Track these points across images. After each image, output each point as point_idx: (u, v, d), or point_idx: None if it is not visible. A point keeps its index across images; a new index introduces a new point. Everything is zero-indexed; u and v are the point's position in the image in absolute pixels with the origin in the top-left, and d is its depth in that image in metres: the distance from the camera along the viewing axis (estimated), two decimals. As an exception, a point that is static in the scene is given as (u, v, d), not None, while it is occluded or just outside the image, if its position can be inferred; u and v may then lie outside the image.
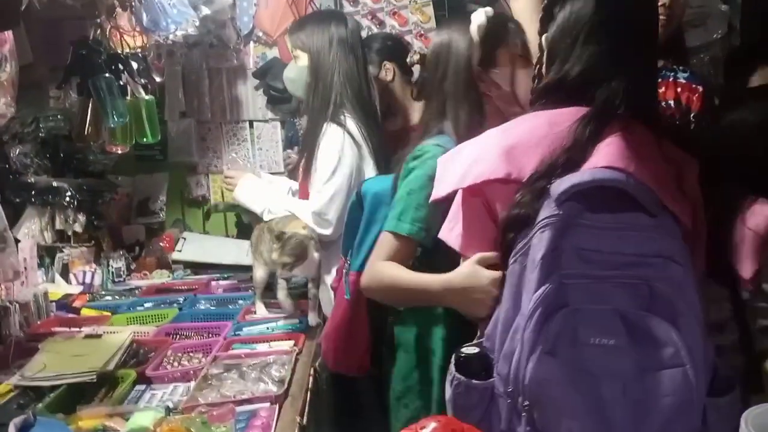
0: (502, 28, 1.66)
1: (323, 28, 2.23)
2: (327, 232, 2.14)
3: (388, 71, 2.53)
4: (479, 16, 1.60)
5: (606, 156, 1.06)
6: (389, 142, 2.31)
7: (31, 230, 2.53)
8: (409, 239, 1.52)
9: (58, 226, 2.61)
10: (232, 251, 3.08)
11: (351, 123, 2.18)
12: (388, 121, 2.49)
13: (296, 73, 2.29)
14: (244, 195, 2.33)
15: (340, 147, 2.15)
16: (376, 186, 1.76)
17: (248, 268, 2.91)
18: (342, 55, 2.20)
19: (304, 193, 2.27)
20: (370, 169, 2.22)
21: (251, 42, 3.38)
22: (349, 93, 2.20)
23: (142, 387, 1.67)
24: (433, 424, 0.98)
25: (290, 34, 2.31)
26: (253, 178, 2.40)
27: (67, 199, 2.57)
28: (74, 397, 1.59)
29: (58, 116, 2.56)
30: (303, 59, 2.25)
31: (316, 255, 1.99)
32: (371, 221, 1.70)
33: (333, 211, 2.13)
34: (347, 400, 2.12)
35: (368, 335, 1.76)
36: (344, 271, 1.76)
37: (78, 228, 2.68)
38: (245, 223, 3.37)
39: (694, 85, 1.84)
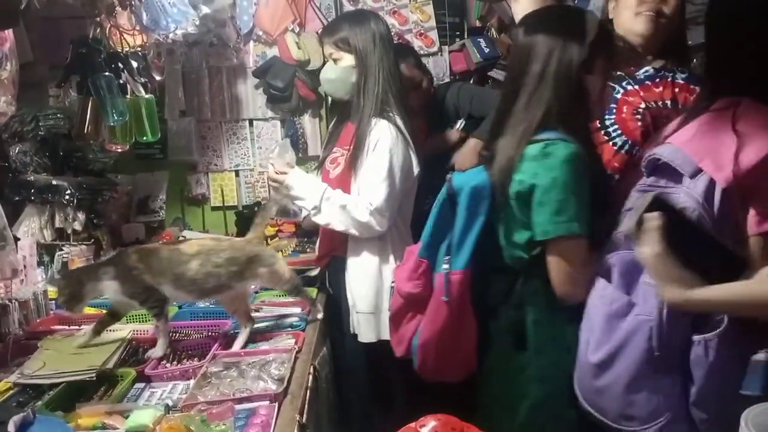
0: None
1: (365, 27, 2.24)
2: (383, 228, 2.17)
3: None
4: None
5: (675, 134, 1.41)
6: None
7: (31, 228, 2.52)
8: (585, 238, 1.50)
9: (58, 224, 2.60)
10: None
11: (397, 119, 2.21)
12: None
13: (338, 74, 2.27)
14: (294, 191, 2.22)
15: (392, 142, 2.17)
16: (470, 180, 1.63)
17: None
18: (384, 53, 2.23)
19: (341, 185, 2.25)
20: (416, 164, 2.26)
21: (251, 41, 3.38)
22: (393, 89, 2.23)
23: (142, 385, 1.67)
24: (432, 423, 0.98)
25: (328, 37, 2.29)
26: (301, 173, 2.31)
27: (67, 197, 2.56)
28: (73, 395, 1.59)
29: (58, 115, 2.55)
30: (346, 60, 2.25)
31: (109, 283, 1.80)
32: (473, 216, 1.61)
33: (391, 208, 2.16)
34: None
35: (476, 334, 1.67)
36: (444, 272, 1.63)
37: (78, 226, 2.68)
38: (244, 222, 3.38)
39: (692, 86, 1.83)
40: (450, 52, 3.49)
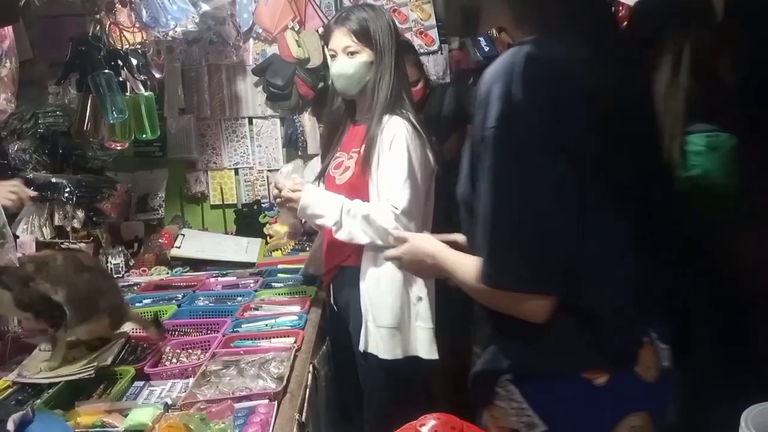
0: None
1: (384, 21, 2.09)
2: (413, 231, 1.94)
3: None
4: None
5: None
6: None
7: (30, 226, 2.52)
8: None
9: (57, 222, 2.60)
10: (231, 248, 3.08)
11: (410, 114, 2.07)
12: None
13: (356, 69, 2.07)
14: (312, 209, 2.02)
15: (409, 138, 2.01)
16: None
17: (247, 265, 2.93)
18: (397, 50, 2.11)
19: (354, 190, 2.07)
20: (433, 161, 2.10)
21: (251, 39, 3.38)
22: (405, 87, 2.12)
23: (141, 383, 1.67)
24: (432, 422, 0.98)
25: (347, 26, 2.09)
26: (316, 188, 2.13)
27: (66, 195, 2.56)
28: (73, 393, 1.58)
29: (58, 112, 2.55)
30: (364, 55, 2.07)
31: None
32: None
33: (417, 209, 2.02)
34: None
35: None
36: None
37: (77, 224, 2.68)
38: (244, 221, 3.38)
39: None
40: (450, 50, 3.49)
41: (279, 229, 2.95)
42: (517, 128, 0.99)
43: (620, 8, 1.92)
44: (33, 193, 2.25)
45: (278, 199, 2.11)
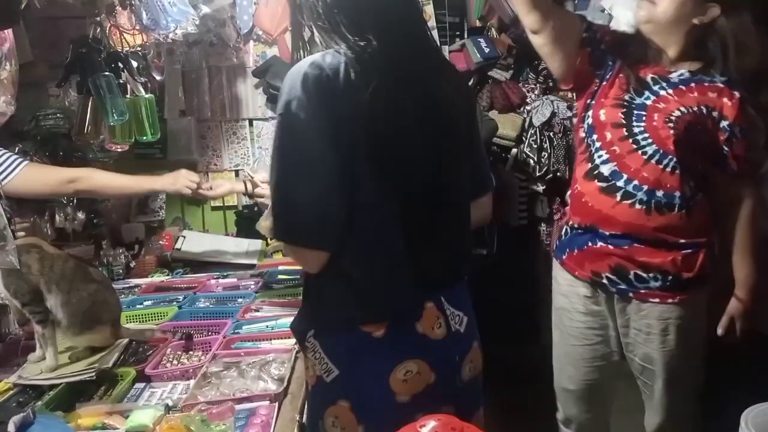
0: None
1: None
2: None
3: None
4: None
5: None
6: None
7: (31, 228, 2.53)
8: None
9: (58, 224, 2.61)
10: (232, 249, 3.08)
11: None
12: None
13: None
14: None
15: None
16: None
17: (248, 267, 2.92)
18: None
19: None
20: None
21: (251, 40, 3.38)
22: None
23: (142, 385, 1.67)
24: (433, 423, 0.98)
25: None
26: None
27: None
28: (73, 395, 1.59)
29: (58, 114, 2.56)
30: None
31: None
32: None
33: None
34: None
35: None
36: None
37: (77, 226, 2.68)
38: (245, 222, 3.38)
39: (732, 91, 1.77)
40: (450, 52, 3.49)
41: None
42: (293, 116, 1.22)
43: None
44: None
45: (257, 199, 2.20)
